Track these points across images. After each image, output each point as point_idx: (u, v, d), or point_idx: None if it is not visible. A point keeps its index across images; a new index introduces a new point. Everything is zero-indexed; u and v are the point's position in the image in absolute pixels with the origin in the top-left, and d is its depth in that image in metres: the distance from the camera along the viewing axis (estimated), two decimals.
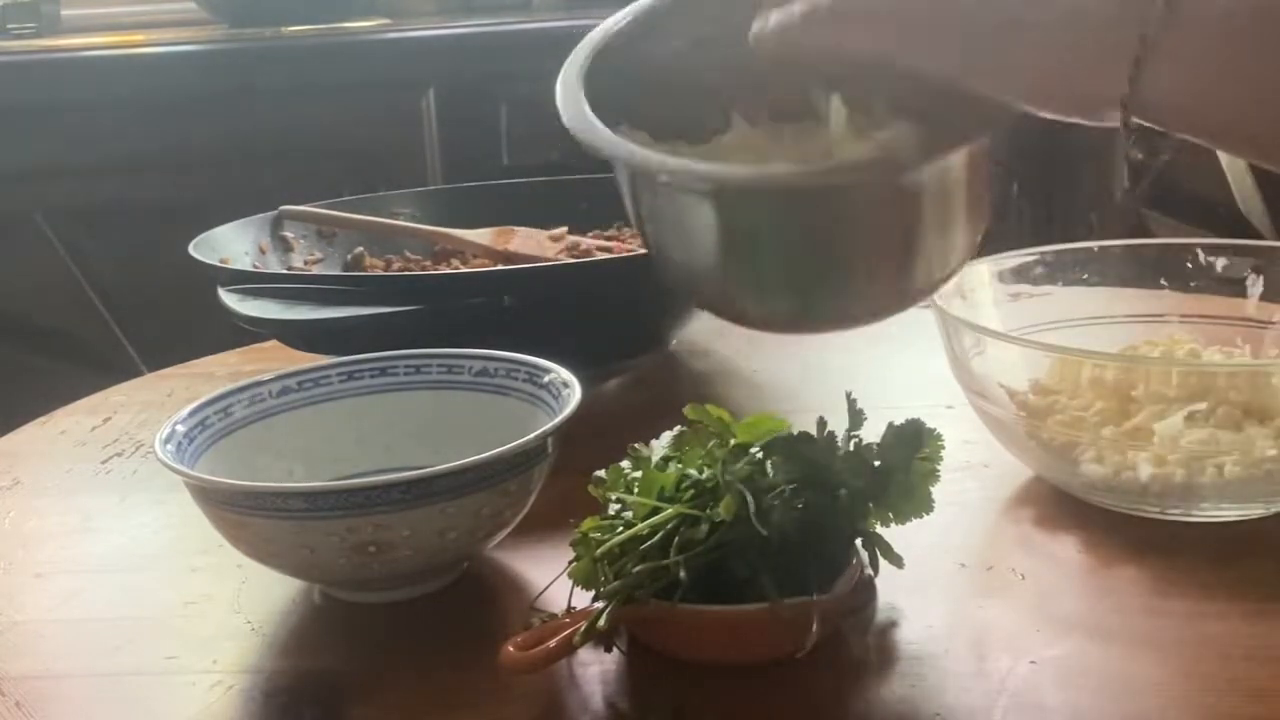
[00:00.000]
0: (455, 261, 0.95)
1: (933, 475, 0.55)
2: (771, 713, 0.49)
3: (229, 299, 0.76)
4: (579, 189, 1.04)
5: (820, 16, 0.47)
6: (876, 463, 0.54)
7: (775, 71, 0.51)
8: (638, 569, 0.49)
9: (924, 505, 0.54)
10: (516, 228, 0.95)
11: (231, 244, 0.91)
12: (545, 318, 0.76)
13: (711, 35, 0.53)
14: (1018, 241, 0.80)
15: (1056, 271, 0.77)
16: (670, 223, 0.52)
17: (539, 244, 0.93)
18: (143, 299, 1.73)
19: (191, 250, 0.85)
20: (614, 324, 0.81)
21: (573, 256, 0.91)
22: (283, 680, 0.54)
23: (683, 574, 0.49)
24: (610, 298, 0.79)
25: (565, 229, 0.95)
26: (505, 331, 0.71)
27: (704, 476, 0.53)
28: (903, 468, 0.54)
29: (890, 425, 0.55)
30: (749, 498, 0.50)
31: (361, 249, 0.97)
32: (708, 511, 0.51)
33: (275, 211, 0.97)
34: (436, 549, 0.55)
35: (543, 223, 0.96)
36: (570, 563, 0.52)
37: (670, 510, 0.51)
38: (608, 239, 0.97)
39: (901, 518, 0.55)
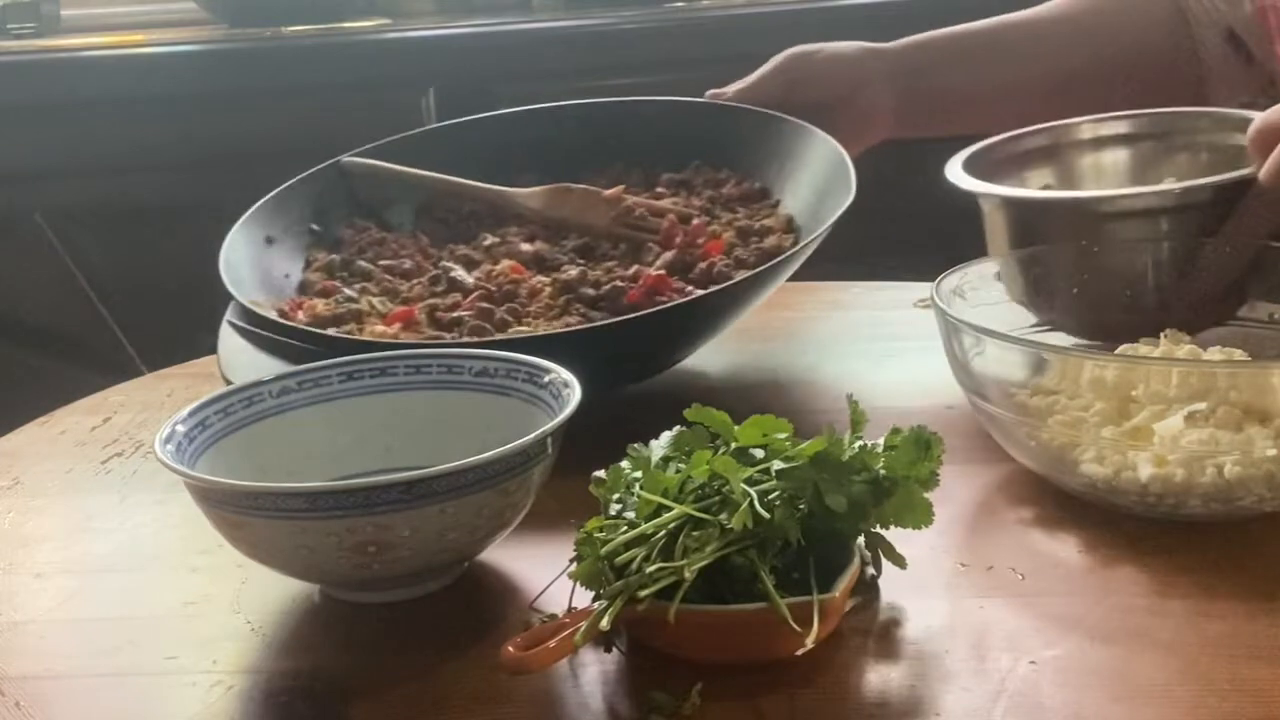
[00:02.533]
0: (465, 249, 0.92)
1: (933, 484, 0.55)
2: (772, 713, 0.49)
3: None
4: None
5: None
6: (881, 470, 0.54)
7: None
8: (650, 569, 0.49)
9: (925, 518, 0.55)
10: (573, 186, 0.93)
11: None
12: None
13: None
14: None
15: None
16: None
17: (593, 207, 0.91)
18: (143, 299, 1.73)
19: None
20: (627, 363, 0.81)
21: (624, 225, 0.89)
22: (283, 680, 0.54)
23: (688, 574, 0.49)
24: (626, 354, 0.79)
25: (622, 188, 0.93)
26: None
27: (709, 479, 0.53)
28: (907, 478, 0.54)
29: (895, 431, 0.55)
30: (760, 509, 0.50)
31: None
32: (714, 515, 0.51)
33: (332, 161, 0.97)
34: (436, 549, 0.55)
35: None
36: (571, 562, 0.52)
37: (677, 510, 0.51)
38: (655, 198, 0.94)
39: (902, 525, 0.55)
